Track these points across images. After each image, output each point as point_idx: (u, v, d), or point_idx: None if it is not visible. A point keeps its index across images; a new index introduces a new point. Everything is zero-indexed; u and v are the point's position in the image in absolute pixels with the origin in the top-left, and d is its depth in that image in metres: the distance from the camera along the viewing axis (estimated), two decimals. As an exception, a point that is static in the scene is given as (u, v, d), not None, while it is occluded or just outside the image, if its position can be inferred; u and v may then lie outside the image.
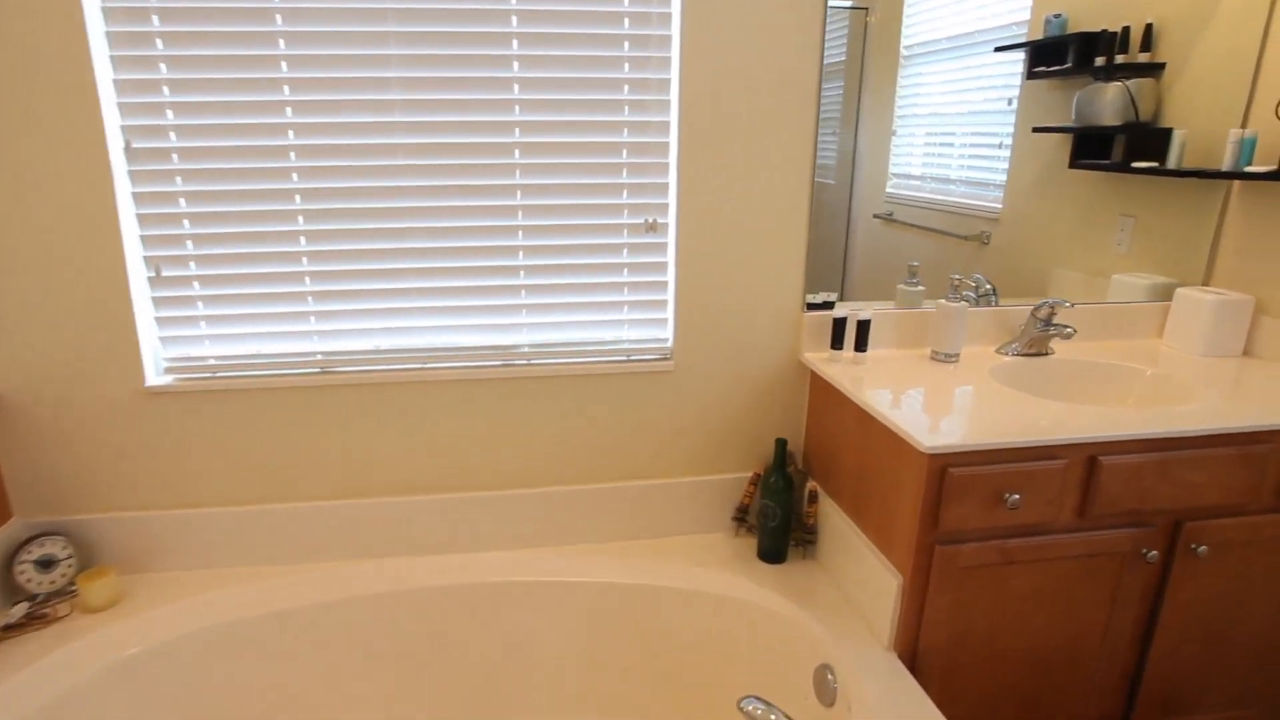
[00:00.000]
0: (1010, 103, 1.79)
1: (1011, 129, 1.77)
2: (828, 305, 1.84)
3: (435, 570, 1.71)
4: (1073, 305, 1.82)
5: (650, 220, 1.70)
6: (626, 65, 1.60)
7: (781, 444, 1.75)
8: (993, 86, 1.71)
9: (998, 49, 1.72)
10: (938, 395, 1.55)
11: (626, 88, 1.61)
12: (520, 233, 1.66)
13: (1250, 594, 1.61)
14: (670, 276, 1.74)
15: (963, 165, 1.74)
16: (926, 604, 1.43)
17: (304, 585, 1.66)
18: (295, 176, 1.56)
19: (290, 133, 1.54)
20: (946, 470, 1.34)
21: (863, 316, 1.74)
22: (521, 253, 1.67)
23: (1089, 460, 1.41)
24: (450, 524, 1.77)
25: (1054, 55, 1.76)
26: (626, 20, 1.57)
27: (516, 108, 1.59)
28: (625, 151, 1.65)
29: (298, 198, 1.58)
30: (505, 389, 1.73)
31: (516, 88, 1.58)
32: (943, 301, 1.77)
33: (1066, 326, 1.77)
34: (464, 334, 1.70)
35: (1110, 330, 1.97)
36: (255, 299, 1.61)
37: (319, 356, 1.67)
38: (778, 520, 1.73)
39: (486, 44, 1.54)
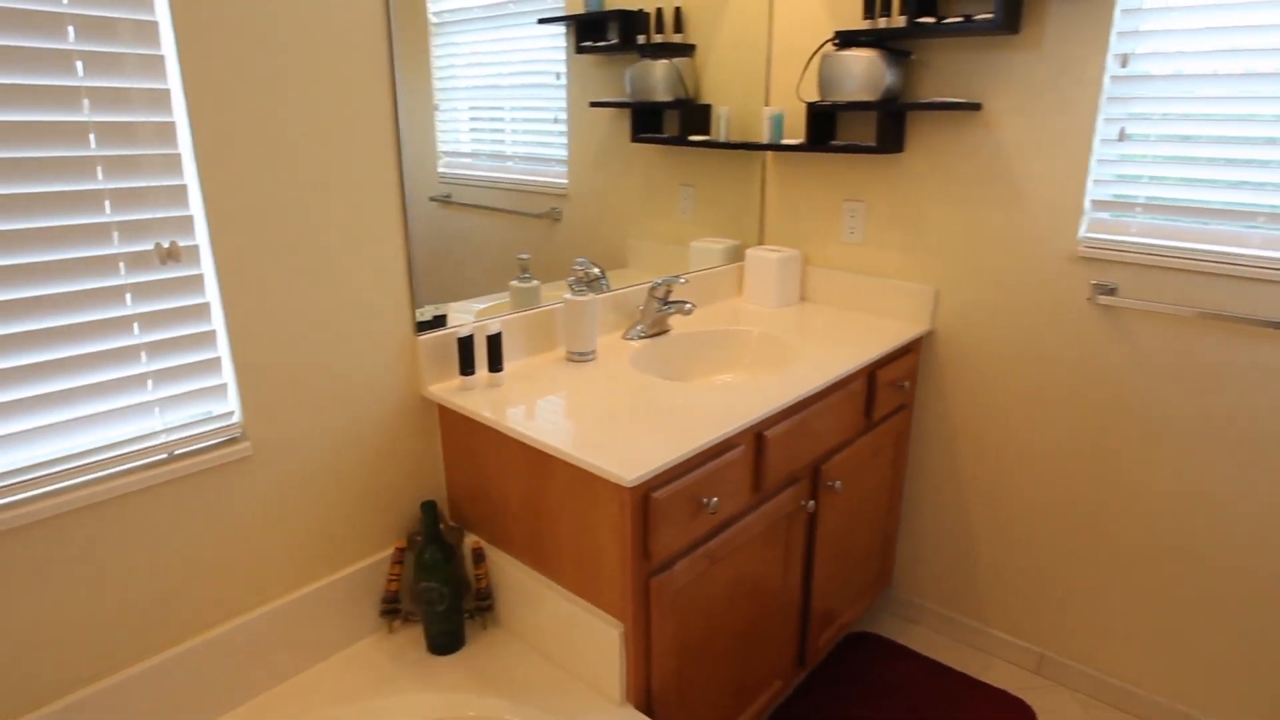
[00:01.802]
0: (559, 77, 1.69)
1: (565, 103, 1.68)
2: (439, 322, 1.49)
3: None
4: (687, 280, 1.80)
5: (166, 244, 1.10)
6: (63, -4, 0.97)
7: (430, 508, 1.36)
8: (539, 60, 1.60)
9: (541, 21, 1.59)
10: (599, 407, 1.36)
11: (73, 30, 0.98)
12: (-103, 292, 0.91)
13: (860, 506, 1.84)
14: (218, 323, 1.17)
15: (517, 141, 1.61)
16: (653, 642, 1.24)
17: None
18: None
19: None
20: (649, 497, 1.16)
21: (492, 330, 1.44)
22: (-90, 327, 0.92)
23: (757, 438, 1.38)
24: None
25: (598, 31, 1.70)
26: (45, -82, 0.94)
27: None
28: (94, 138, 1.02)
29: None
30: (-64, 567, 0.97)
31: None
32: (569, 297, 1.57)
33: (685, 302, 1.75)
34: None
35: (704, 296, 2.04)
36: None
37: None
38: (446, 600, 1.36)
39: None
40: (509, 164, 1.59)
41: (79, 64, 0.99)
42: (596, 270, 1.81)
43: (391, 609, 1.43)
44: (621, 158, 1.81)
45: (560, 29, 1.62)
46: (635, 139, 1.85)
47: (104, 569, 1.11)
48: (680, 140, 1.96)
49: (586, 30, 1.67)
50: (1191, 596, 1.69)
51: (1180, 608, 1.71)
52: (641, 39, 1.80)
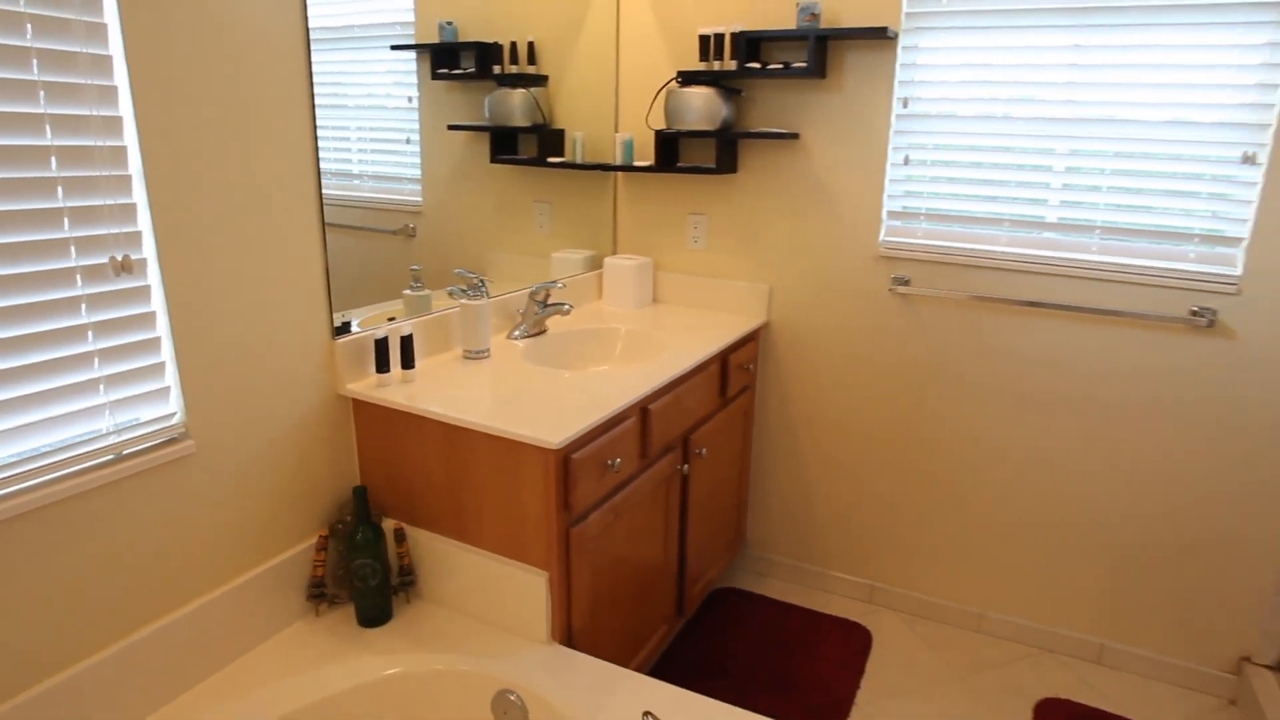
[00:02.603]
0: (411, 100, 1.89)
1: (417, 125, 1.86)
2: (345, 328, 1.71)
3: None
4: (564, 285, 2.13)
5: (120, 257, 1.27)
6: (29, 28, 1.13)
7: (361, 493, 1.59)
8: (390, 84, 1.76)
9: (394, 47, 1.77)
10: (507, 392, 1.66)
11: (36, 64, 1.14)
12: (-126, 304, 1.03)
13: (719, 472, 2.26)
14: (163, 330, 1.34)
15: (365, 160, 1.76)
16: (573, 584, 1.56)
17: None
18: None
19: None
20: (569, 458, 1.48)
21: (404, 333, 1.69)
22: (-115, 337, 1.04)
23: (643, 411, 1.74)
24: None
25: (453, 59, 1.94)
26: (15, -35, 1.10)
27: None
28: (55, 160, 1.18)
29: None
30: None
31: None
32: (465, 302, 1.86)
33: (564, 304, 2.08)
34: None
35: (569, 300, 2.39)
36: None
37: None
38: (379, 575, 1.59)
39: None
40: (356, 182, 1.71)
41: (41, 93, 1.15)
42: (477, 279, 2.10)
43: (318, 593, 1.63)
44: (477, 177, 2.04)
45: (411, 55, 1.81)
46: (494, 160, 2.10)
47: (57, 567, 1.24)
48: (539, 161, 2.28)
49: (442, 58, 1.89)
50: (979, 520, 2.29)
51: (972, 530, 2.30)
52: (498, 69, 2.08)
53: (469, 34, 1.98)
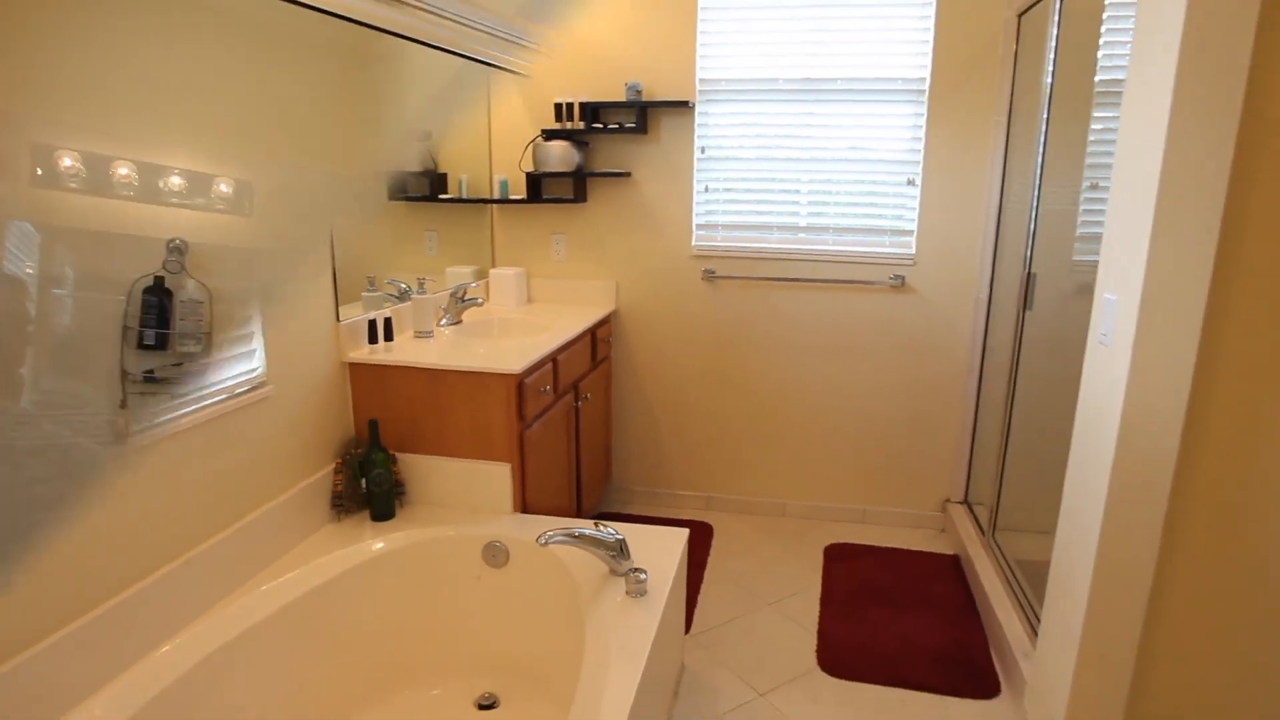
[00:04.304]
0: None
1: None
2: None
3: None
4: (478, 284, 3.13)
5: (235, 260, 2.13)
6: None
7: (374, 424, 2.49)
8: None
9: None
10: (463, 351, 2.65)
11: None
12: (126, 288, 1.85)
13: (595, 417, 3.35)
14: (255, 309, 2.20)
15: None
16: (527, 471, 2.57)
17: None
18: None
19: None
20: (523, 382, 2.50)
21: (386, 316, 2.63)
22: (130, 309, 1.87)
23: (553, 361, 2.80)
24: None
25: None
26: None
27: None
28: (204, 200, 2.04)
29: None
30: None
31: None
32: (417, 296, 2.81)
33: (477, 299, 3.09)
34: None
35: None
36: None
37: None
38: (389, 483, 2.49)
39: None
40: None
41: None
42: (405, 285, 3.04)
43: (338, 504, 2.49)
44: (378, 213, 2.97)
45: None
46: (393, 198, 3.06)
47: (201, 467, 2.06)
48: (431, 198, 3.25)
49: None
50: (776, 436, 3.55)
51: (772, 444, 3.56)
52: (393, 122, 3.06)
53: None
